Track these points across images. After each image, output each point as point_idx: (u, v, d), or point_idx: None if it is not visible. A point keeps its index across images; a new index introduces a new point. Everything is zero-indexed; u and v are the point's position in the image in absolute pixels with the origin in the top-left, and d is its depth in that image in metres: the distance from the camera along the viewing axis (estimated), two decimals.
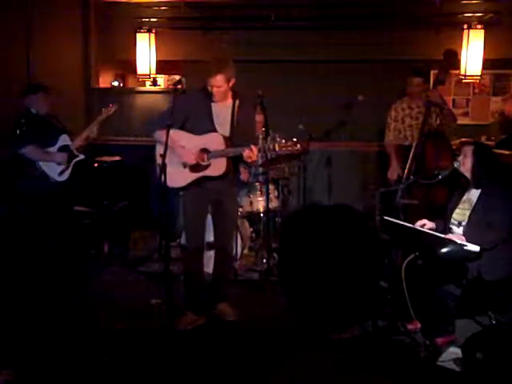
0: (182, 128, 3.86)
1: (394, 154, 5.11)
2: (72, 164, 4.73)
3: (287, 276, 4.15)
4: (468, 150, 3.65)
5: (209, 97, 3.83)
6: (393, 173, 5.05)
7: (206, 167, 3.83)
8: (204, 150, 3.81)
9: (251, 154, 3.69)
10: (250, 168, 5.52)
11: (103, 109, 4.89)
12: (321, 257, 3.95)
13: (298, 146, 3.73)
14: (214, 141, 3.80)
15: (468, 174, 3.65)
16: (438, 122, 4.94)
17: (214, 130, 3.83)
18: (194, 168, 3.85)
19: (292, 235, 4.21)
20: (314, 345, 3.69)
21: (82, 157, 4.79)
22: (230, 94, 3.88)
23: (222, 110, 3.86)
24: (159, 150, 3.88)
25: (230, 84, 3.80)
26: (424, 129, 4.72)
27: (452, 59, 4.88)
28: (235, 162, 3.96)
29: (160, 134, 3.83)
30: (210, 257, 4.35)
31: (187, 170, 3.85)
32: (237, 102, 3.89)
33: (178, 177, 3.81)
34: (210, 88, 3.77)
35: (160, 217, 3.77)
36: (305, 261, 4.01)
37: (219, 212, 4.05)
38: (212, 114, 3.84)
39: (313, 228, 4.06)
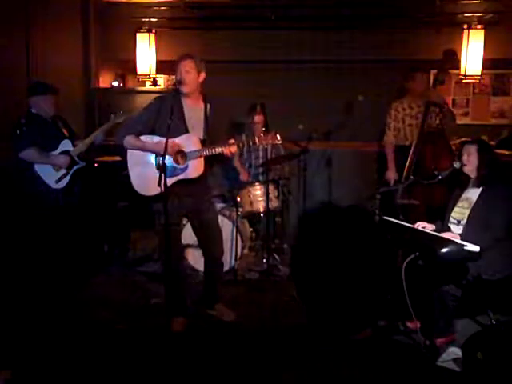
0: (152, 132, 3.79)
1: (392, 155, 5.12)
2: (72, 171, 4.57)
3: (302, 275, 4.13)
4: (472, 149, 3.64)
5: (181, 100, 3.76)
6: (390, 174, 5.08)
7: (184, 170, 3.72)
8: (180, 152, 3.71)
9: (232, 148, 3.64)
10: (247, 167, 5.51)
11: (112, 115, 4.72)
12: (337, 256, 3.95)
13: (278, 136, 3.69)
14: (189, 142, 3.70)
15: (472, 173, 3.64)
16: (438, 121, 4.94)
17: (186, 131, 3.75)
18: (170, 172, 3.66)
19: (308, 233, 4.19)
20: (329, 346, 3.67)
21: (82, 164, 4.61)
22: (201, 97, 3.84)
23: (195, 114, 3.80)
24: (130, 157, 3.84)
25: (200, 78, 3.76)
26: (423, 128, 4.73)
27: (451, 59, 4.89)
28: (210, 164, 3.85)
29: (128, 141, 3.78)
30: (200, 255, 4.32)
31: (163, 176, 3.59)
32: (208, 106, 3.83)
33: (153, 184, 3.56)
34: (178, 78, 3.71)
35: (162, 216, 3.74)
36: (320, 259, 4.00)
37: (198, 222, 3.98)
38: (184, 116, 3.77)
39: (330, 227, 4.06)
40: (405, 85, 5.15)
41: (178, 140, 3.69)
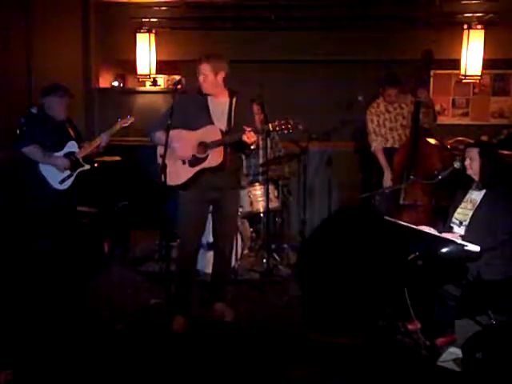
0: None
1: (385, 159, 5.10)
2: (76, 173, 4.57)
3: (308, 276, 4.14)
4: (474, 153, 3.62)
5: (206, 95, 3.91)
6: (387, 180, 4.98)
7: (204, 159, 3.85)
8: (202, 144, 3.85)
9: (249, 135, 3.71)
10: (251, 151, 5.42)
11: (119, 119, 4.74)
12: (337, 256, 3.95)
13: (291, 122, 3.74)
14: (210, 133, 3.83)
15: (475, 176, 3.63)
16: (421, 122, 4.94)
17: (211, 124, 3.87)
18: (193, 162, 3.87)
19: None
20: (329, 346, 3.67)
21: (87, 167, 4.62)
22: (226, 92, 3.94)
23: (219, 106, 3.92)
24: (160, 150, 3.92)
25: (218, 77, 3.85)
26: (417, 128, 4.74)
27: (428, 59, 4.91)
28: (236, 158, 3.96)
29: (158, 136, 3.91)
30: (210, 257, 4.35)
31: (187, 165, 3.88)
32: (234, 100, 3.93)
33: (178, 174, 3.84)
34: (198, 79, 3.85)
35: (161, 217, 3.76)
36: (320, 259, 4.00)
37: (219, 213, 4.06)
38: (209, 109, 3.90)
39: (339, 230, 4.08)
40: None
41: (199, 131, 3.85)
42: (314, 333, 3.80)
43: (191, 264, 4.06)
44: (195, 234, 4.01)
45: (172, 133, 3.79)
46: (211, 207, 4.10)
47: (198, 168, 3.87)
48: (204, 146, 3.84)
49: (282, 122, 3.76)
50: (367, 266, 3.82)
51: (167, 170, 3.73)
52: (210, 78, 3.83)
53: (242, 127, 3.76)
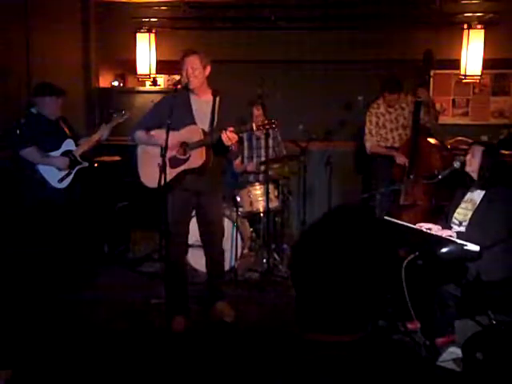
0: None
1: (384, 148, 5.12)
2: (74, 171, 4.56)
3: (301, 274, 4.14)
4: (477, 151, 3.61)
5: (189, 93, 3.86)
6: (400, 158, 4.85)
7: (186, 161, 3.79)
8: (183, 144, 3.79)
9: (230, 135, 3.63)
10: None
11: (114, 115, 4.70)
12: (337, 256, 3.95)
13: (275, 122, 3.69)
14: (192, 133, 3.77)
15: (474, 174, 3.62)
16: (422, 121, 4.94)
17: (194, 124, 3.81)
18: (174, 163, 3.78)
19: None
20: (329, 346, 3.67)
21: (85, 164, 4.60)
22: (209, 91, 3.89)
23: (202, 106, 3.86)
24: (140, 152, 3.94)
25: (206, 71, 3.82)
26: (418, 127, 4.75)
27: (429, 59, 4.91)
28: (220, 161, 3.92)
29: (139, 135, 3.89)
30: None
31: (167, 167, 3.67)
32: (217, 99, 3.87)
33: (158, 176, 3.72)
34: (184, 75, 3.79)
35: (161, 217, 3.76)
36: (320, 259, 4.01)
37: (203, 218, 4.03)
38: (192, 109, 3.86)
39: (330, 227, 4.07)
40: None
41: (181, 132, 3.77)
42: (311, 334, 3.80)
43: (179, 262, 3.99)
44: (178, 235, 3.89)
45: (155, 132, 3.81)
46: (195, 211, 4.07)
47: (179, 169, 3.79)
48: (185, 147, 3.77)
49: (266, 121, 3.71)
50: (366, 266, 3.82)
51: (149, 173, 3.72)
52: (199, 70, 3.78)
53: (225, 127, 3.68)
